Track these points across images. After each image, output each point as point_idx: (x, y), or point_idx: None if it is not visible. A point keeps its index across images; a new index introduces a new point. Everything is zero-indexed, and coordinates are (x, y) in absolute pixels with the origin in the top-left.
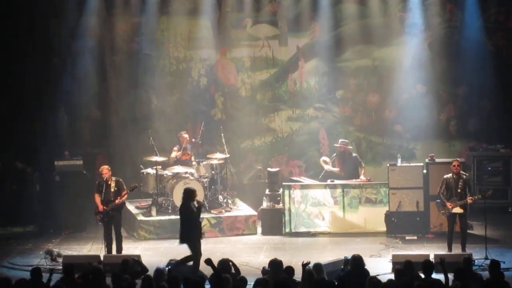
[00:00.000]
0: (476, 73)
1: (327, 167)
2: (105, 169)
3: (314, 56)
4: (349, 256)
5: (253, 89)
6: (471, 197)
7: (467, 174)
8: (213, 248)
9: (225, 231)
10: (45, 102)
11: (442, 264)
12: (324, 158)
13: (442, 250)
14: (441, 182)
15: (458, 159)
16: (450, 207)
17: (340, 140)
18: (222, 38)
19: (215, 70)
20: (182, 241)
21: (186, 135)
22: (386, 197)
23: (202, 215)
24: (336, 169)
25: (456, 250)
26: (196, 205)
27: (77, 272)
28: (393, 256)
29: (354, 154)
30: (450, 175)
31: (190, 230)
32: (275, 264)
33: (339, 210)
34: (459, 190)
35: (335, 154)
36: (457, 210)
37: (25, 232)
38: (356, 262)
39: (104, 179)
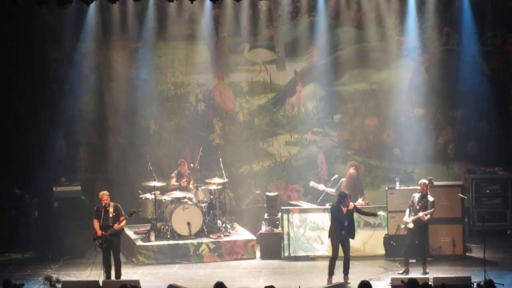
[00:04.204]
0: (473, 96)
1: (321, 187)
2: (105, 196)
3: (312, 80)
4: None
5: (251, 114)
6: (424, 214)
7: (433, 199)
8: (212, 273)
9: (224, 256)
10: (43, 128)
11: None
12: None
13: (441, 273)
14: None
15: (425, 180)
16: (407, 221)
17: (353, 162)
18: (220, 63)
19: (213, 95)
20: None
21: (184, 165)
22: (385, 220)
23: (200, 240)
24: (331, 190)
25: (457, 273)
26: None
27: None
28: (392, 279)
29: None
30: (419, 193)
31: (336, 230)
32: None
33: None
34: (417, 207)
35: (342, 179)
36: (410, 225)
37: (24, 258)
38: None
39: (103, 205)
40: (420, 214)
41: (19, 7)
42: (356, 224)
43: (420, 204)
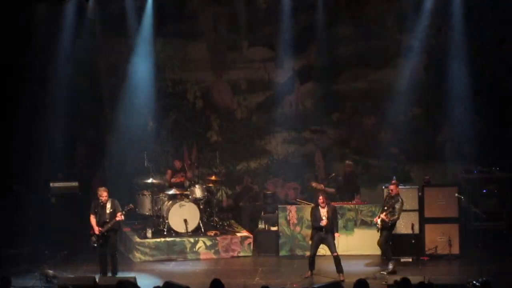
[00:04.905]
0: (471, 95)
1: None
2: (104, 193)
3: (310, 78)
4: None
5: (249, 111)
6: (385, 214)
7: (401, 201)
8: (208, 270)
9: (220, 253)
10: (40, 123)
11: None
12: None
13: (437, 273)
14: None
15: (395, 182)
16: (375, 220)
17: (348, 162)
18: (218, 60)
19: (211, 92)
20: None
21: (179, 161)
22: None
23: (197, 237)
24: (331, 190)
25: (453, 272)
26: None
27: None
28: (388, 278)
29: (358, 180)
30: (388, 194)
31: (313, 232)
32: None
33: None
34: (385, 208)
35: (340, 177)
36: (378, 224)
37: (20, 254)
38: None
39: (100, 201)
40: (383, 215)
41: (18, 3)
42: (352, 222)
43: (388, 204)
